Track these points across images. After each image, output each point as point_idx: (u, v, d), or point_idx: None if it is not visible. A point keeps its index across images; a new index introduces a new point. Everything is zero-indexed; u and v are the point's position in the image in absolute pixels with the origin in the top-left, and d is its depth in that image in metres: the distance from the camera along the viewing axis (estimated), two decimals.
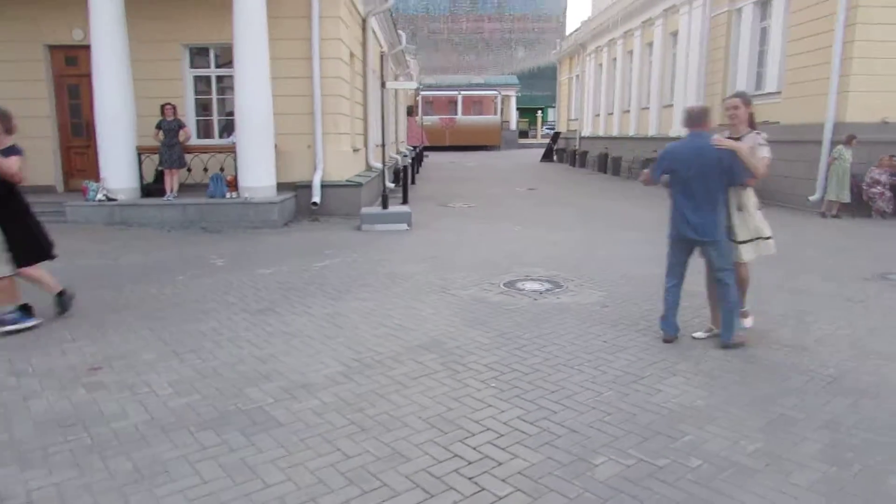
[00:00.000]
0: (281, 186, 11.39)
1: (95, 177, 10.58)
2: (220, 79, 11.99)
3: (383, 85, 10.75)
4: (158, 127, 10.40)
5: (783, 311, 5.39)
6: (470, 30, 59.37)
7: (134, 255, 7.82)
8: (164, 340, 4.62)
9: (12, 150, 4.73)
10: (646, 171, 4.81)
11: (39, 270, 5.05)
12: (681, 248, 4.55)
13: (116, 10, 10.03)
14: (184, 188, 11.11)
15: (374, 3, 14.35)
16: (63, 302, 5.20)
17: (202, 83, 12.00)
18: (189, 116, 11.75)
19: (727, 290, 4.41)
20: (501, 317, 5.23)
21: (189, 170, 10.97)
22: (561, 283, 6.36)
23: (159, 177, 10.79)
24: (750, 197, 4.53)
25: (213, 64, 11.83)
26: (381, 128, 12.48)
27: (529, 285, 6.27)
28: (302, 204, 11.44)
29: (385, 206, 10.59)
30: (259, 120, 10.37)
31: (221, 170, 10.90)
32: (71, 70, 11.66)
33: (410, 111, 36.41)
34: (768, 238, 4.62)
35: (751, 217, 4.54)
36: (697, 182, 4.32)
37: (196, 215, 10.32)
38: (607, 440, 3.12)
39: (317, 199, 11.35)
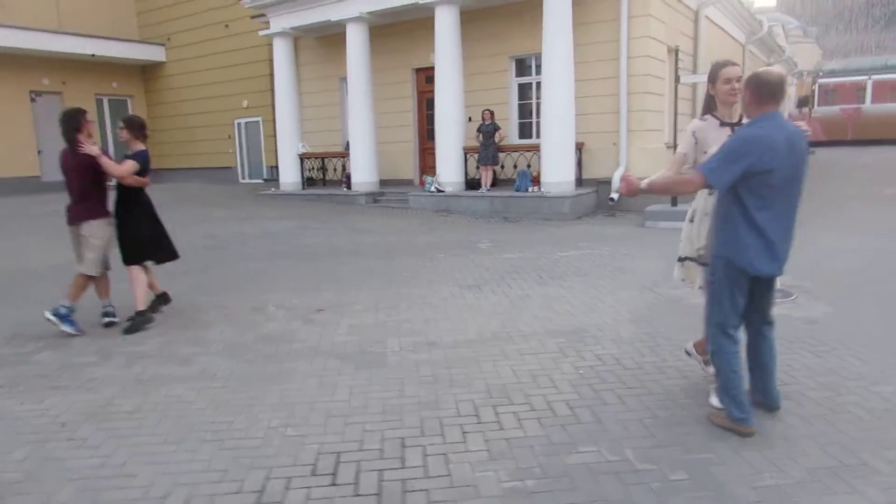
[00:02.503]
0: (586, 182, 12.04)
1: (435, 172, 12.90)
2: (539, 85, 13.13)
3: (677, 80, 10.32)
4: (479, 130, 12.10)
5: None
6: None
7: (428, 236, 9.51)
8: (377, 298, 5.88)
9: (135, 156, 4.96)
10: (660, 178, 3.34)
11: (140, 274, 5.16)
12: (749, 287, 3.09)
13: (454, 37, 12.00)
14: (502, 182, 12.68)
15: None
16: (148, 311, 5.17)
17: (525, 89, 13.33)
18: (512, 120, 13.25)
19: (773, 339, 3.25)
20: (670, 315, 5.02)
21: (502, 166, 12.45)
22: (792, 292, 5.58)
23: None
24: None
25: (533, 72, 13.04)
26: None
27: None
28: (603, 199, 11.84)
29: (674, 203, 10.27)
30: (560, 121, 11.17)
31: (528, 166, 12.09)
32: (429, 87, 14.28)
33: (805, 102, 32.11)
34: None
35: None
36: (787, 188, 2.93)
37: (501, 206, 11.70)
38: None
39: (614, 195, 11.54)
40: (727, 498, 2.56)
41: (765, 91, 2.92)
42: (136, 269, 5.11)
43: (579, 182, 11.97)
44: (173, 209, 12.62)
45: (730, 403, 3.07)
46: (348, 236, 9.58)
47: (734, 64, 3.43)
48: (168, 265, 5.56)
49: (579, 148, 11.99)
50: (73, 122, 4.89)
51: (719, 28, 15.79)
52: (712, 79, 3.43)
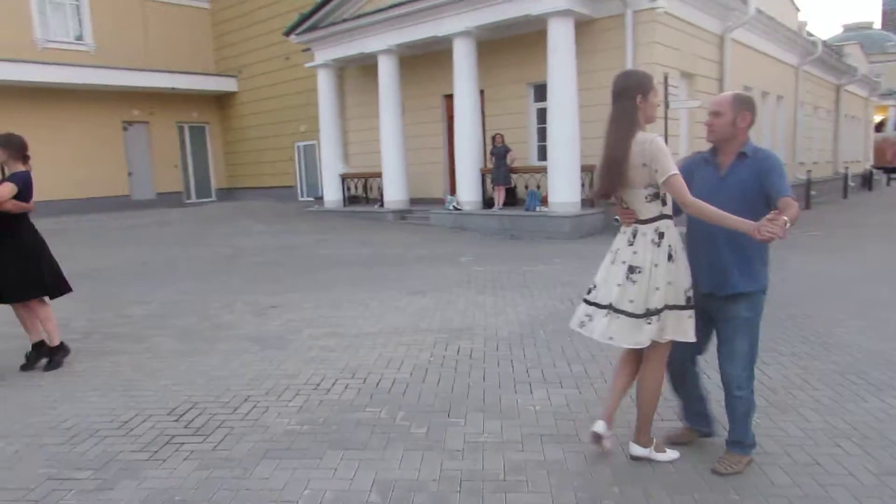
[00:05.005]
0: (597, 204, 12.57)
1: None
2: None
3: (666, 107, 10.66)
4: (491, 152, 12.92)
5: None
6: None
7: (421, 250, 10.43)
8: (328, 300, 6.87)
9: (13, 177, 4.51)
10: None
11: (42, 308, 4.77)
12: None
13: (470, 67, 12.95)
14: (519, 202, 13.41)
15: (735, 18, 13.86)
16: (32, 356, 4.79)
17: (544, 114, 13.99)
18: (532, 143, 13.97)
19: (746, 390, 2.95)
20: (562, 320, 5.68)
21: (514, 187, 13.19)
22: None
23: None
24: None
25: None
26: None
27: None
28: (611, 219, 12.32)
29: None
30: (565, 144, 11.83)
31: (538, 187, 12.76)
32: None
33: (880, 126, 30.43)
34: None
35: None
36: (740, 204, 2.75)
37: (509, 224, 12.44)
38: None
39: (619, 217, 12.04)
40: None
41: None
42: (35, 305, 4.71)
43: (590, 203, 12.50)
44: (222, 224, 14.31)
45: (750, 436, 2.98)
46: (352, 249, 10.67)
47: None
48: (178, 269, 6.77)
49: (591, 170, 12.52)
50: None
51: (755, 51, 15.78)
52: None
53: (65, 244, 9.19)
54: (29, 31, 18.32)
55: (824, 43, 20.39)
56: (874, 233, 12.28)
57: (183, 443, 3.43)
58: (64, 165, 17.81)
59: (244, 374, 4.52)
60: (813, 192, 18.08)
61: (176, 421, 3.73)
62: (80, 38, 19.54)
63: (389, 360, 4.74)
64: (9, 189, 4.43)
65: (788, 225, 2.45)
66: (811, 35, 18.76)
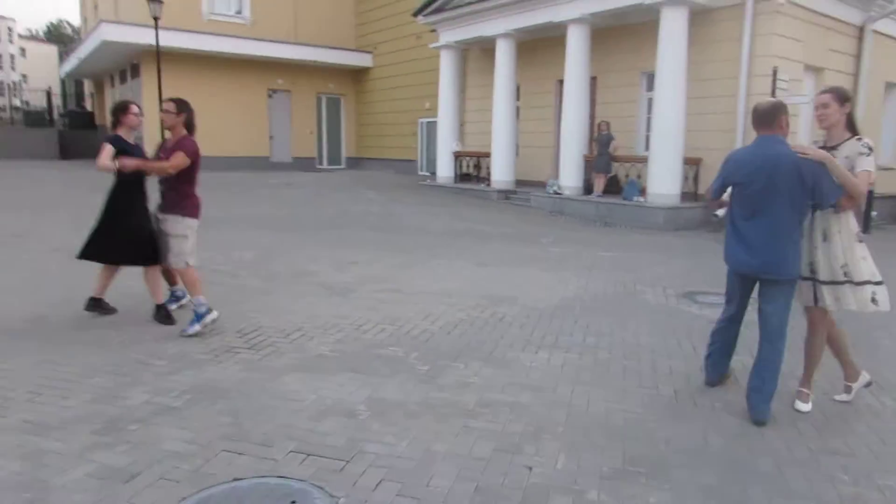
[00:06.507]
0: (702, 197, 12.37)
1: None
2: None
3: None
4: (594, 139, 13.06)
5: None
6: None
7: (509, 229, 10.94)
8: (402, 262, 7.64)
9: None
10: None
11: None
12: (737, 281, 3.70)
13: (583, 54, 13.13)
14: (620, 191, 13.47)
15: (878, 8, 12.84)
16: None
17: None
18: (640, 131, 13.89)
19: (774, 352, 3.50)
20: (595, 300, 6.03)
21: (615, 175, 13.24)
22: None
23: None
24: (847, 223, 3.50)
25: None
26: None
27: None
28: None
29: None
30: (668, 135, 11.75)
31: (639, 177, 12.75)
32: None
33: None
34: (878, 283, 3.49)
35: (847, 251, 3.48)
36: (764, 199, 3.41)
37: (605, 212, 12.58)
38: None
39: (719, 212, 11.79)
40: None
41: (754, 119, 3.58)
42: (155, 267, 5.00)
43: (694, 197, 12.34)
44: (342, 190, 15.63)
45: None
46: (446, 222, 11.40)
47: (824, 92, 3.59)
48: (289, 224, 7.84)
49: (696, 163, 12.34)
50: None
51: None
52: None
53: (210, 197, 10.67)
54: (198, 4, 20.70)
55: None
56: None
57: (239, 352, 4.33)
58: (216, 126, 20.05)
59: (305, 312, 5.38)
60: None
61: (240, 338, 4.64)
62: (239, 12, 21.74)
63: (428, 314, 5.40)
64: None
65: None
66: None
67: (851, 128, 3.58)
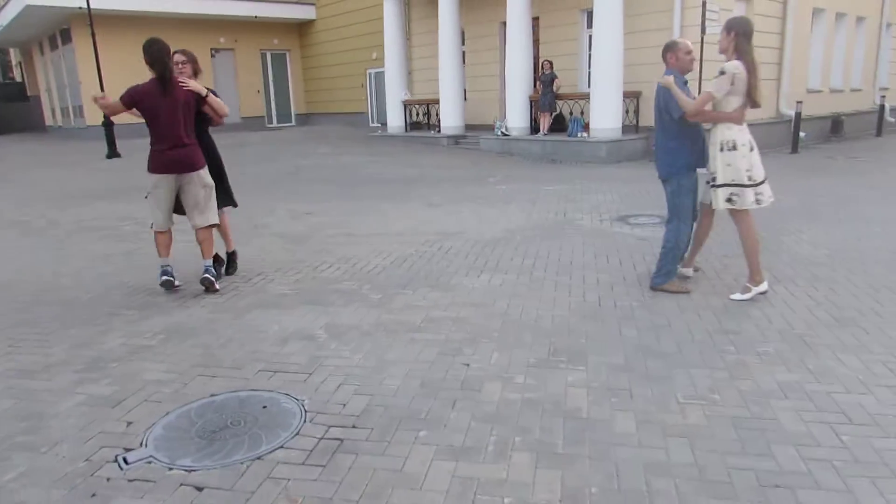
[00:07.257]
0: (643, 129, 12.85)
1: None
2: None
3: (703, 31, 10.58)
4: (539, 80, 13.37)
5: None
6: None
7: (460, 171, 11.30)
8: (355, 209, 7.96)
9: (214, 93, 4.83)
10: None
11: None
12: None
13: None
14: (565, 128, 13.88)
15: None
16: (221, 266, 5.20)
17: None
18: (582, 70, 14.24)
19: (667, 232, 4.43)
20: (536, 227, 6.50)
21: (559, 113, 13.64)
22: None
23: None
24: (716, 137, 4.15)
25: None
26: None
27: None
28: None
29: None
30: (608, 71, 12.10)
31: (582, 113, 13.18)
32: None
33: None
34: (757, 184, 4.12)
35: (714, 159, 4.18)
36: (657, 118, 4.40)
37: (551, 149, 13.02)
38: None
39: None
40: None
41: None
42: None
43: (635, 129, 12.83)
44: (293, 146, 15.69)
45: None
46: (398, 169, 11.69)
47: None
48: (243, 182, 8.03)
49: (636, 97, 12.80)
50: (166, 51, 4.46)
51: None
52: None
53: None
54: None
55: None
56: None
57: (204, 298, 4.67)
58: None
59: (264, 259, 5.72)
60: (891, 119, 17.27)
61: (206, 288, 4.97)
62: None
63: (380, 252, 5.80)
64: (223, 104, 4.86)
65: None
66: None
67: (740, 54, 4.09)
